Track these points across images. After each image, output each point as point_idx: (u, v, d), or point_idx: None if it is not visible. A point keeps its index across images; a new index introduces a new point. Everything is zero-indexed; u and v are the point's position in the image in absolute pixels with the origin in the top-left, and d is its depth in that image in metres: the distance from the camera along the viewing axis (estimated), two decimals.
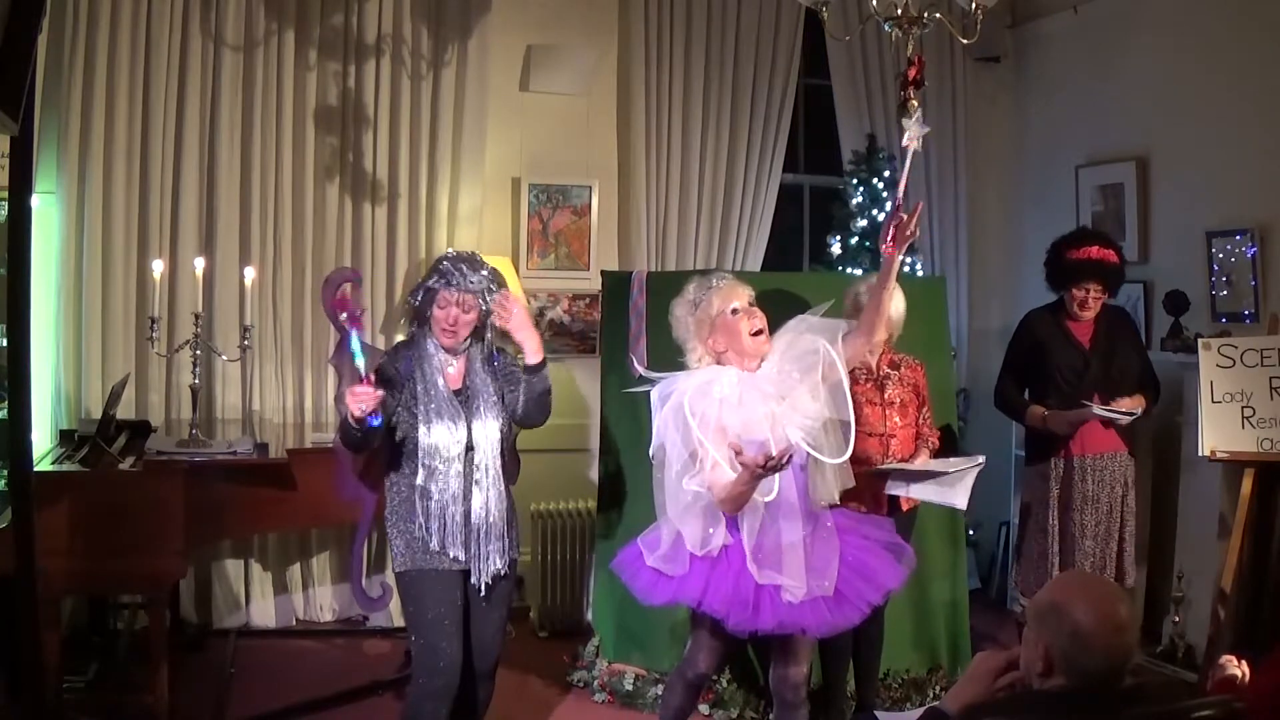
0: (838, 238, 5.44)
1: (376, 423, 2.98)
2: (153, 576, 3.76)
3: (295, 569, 5.11)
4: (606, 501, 4.43)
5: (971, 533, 5.39)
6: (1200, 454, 4.26)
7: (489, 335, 3.26)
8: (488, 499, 3.17)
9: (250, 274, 4.50)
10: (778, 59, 5.68)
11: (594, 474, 4.54)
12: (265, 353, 4.99)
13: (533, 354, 3.17)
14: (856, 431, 3.16)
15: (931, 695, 4.25)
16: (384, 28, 5.06)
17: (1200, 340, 4.38)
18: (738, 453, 2.90)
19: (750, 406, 3.08)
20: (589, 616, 4.73)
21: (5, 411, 3.15)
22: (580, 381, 5.46)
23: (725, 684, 4.17)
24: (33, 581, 2.81)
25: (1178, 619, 4.72)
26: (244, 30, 4.87)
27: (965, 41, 3.46)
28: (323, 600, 5.13)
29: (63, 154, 4.66)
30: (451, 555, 3.14)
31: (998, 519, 5.71)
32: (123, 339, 4.76)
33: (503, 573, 3.22)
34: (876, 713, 3.96)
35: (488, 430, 3.17)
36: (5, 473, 3.22)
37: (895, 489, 3.79)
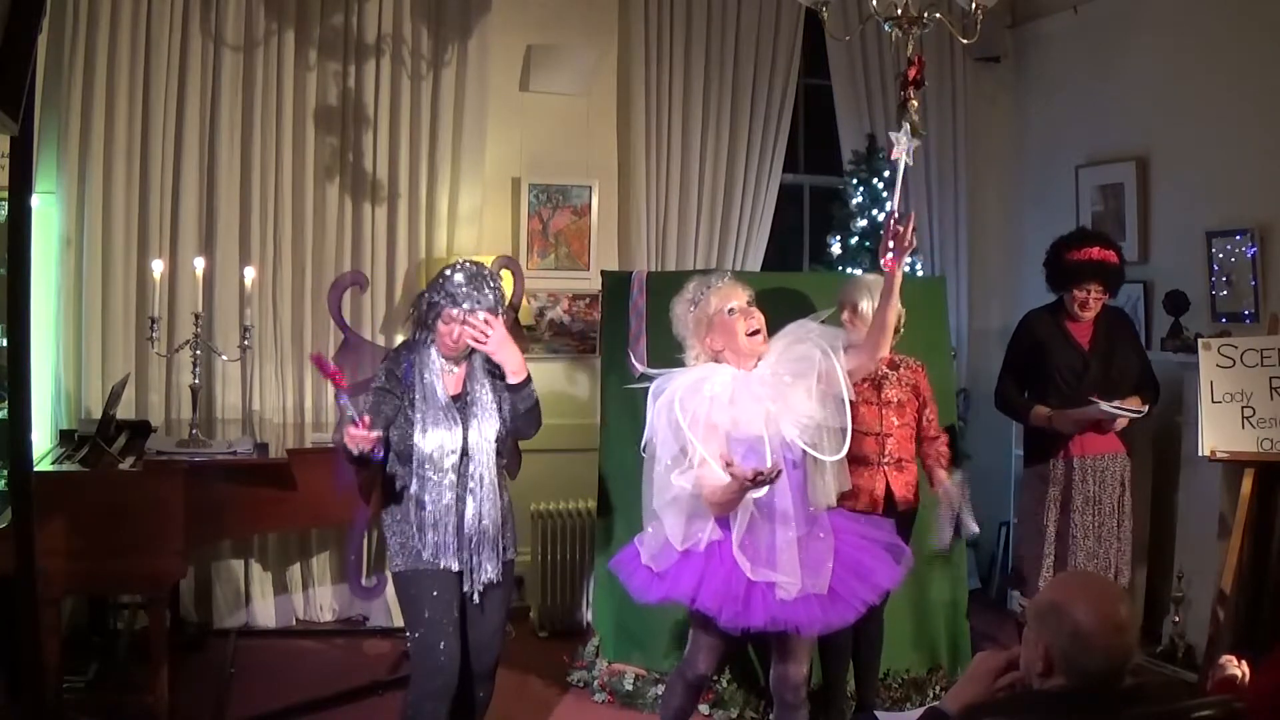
0: (838, 238, 5.45)
1: (378, 457, 3.04)
2: (153, 576, 3.76)
3: (295, 569, 5.11)
4: (606, 501, 4.43)
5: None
6: (1200, 454, 4.26)
7: None
8: (481, 508, 3.17)
9: (250, 274, 4.51)
10: (778, 59, 5.68)
11: (594, 474, 4.54)
12: (265, 353, 4.99)
13: (512, 374, 3.16)
14: (853, 431, 3.16)
15: (931, 695, 4.25)
16: (384, 28, 5.06)
17: (1200, 340, 4.38)
18: (728, 464, 2.92)
19: (743, 405, 3.10)
20: (589, 616, 4.73)
21: (5, 411, 3.15)
22: (580, 381, 5.47)
23: (725, 684, 4.17)
24: (33, 581, 2.81)
25: (1178, 619, 4.73)
26: (244, 30, 4.88)
27: (965, 41, 3.46)
28: (323, 600, 5.14)
29: (63, 154, 4.66)
30: (443, 565, 3.15)
31: (997, 519, 5.71)
32: (123, 339, 4.77)
33: (496, 580, 3.22)
34: (876, 713, 3.96)
35: (483, 437, 3.17)
36: (5, 473, 3.22)
37: None
